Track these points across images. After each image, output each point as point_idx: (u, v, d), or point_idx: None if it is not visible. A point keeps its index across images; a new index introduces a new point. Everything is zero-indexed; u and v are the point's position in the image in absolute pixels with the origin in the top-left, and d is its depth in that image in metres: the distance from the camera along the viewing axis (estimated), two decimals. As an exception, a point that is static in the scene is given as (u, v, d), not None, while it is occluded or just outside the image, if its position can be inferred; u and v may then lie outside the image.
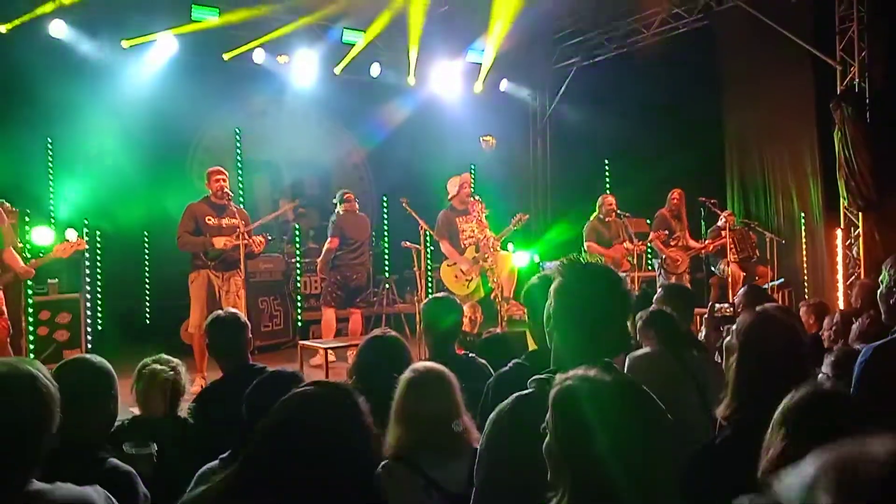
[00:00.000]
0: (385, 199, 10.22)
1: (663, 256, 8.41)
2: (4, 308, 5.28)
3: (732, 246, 8.47)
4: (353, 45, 9.63)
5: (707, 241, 8.64)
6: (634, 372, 3.26)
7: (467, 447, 2.41)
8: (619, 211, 8.32)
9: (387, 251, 10.08)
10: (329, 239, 7.54)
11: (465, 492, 2.23)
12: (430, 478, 2.37)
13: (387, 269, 10.13)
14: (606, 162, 11.30)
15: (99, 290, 8.54)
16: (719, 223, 8.63)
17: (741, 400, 2.23)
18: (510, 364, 2.66)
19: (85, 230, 7.76)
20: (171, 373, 3.33)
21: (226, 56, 8.84)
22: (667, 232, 8.43)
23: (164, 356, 3.39)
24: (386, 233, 10.25)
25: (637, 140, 10.24)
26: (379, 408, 2.78)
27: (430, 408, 2.45)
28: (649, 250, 9.78)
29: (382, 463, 2.40)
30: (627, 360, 3.47)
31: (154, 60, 8.54)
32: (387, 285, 9.68)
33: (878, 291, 2.91)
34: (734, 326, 2.58)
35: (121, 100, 8.15)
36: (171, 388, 3.30)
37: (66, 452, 2.43)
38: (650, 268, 9.68)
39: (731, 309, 4.41)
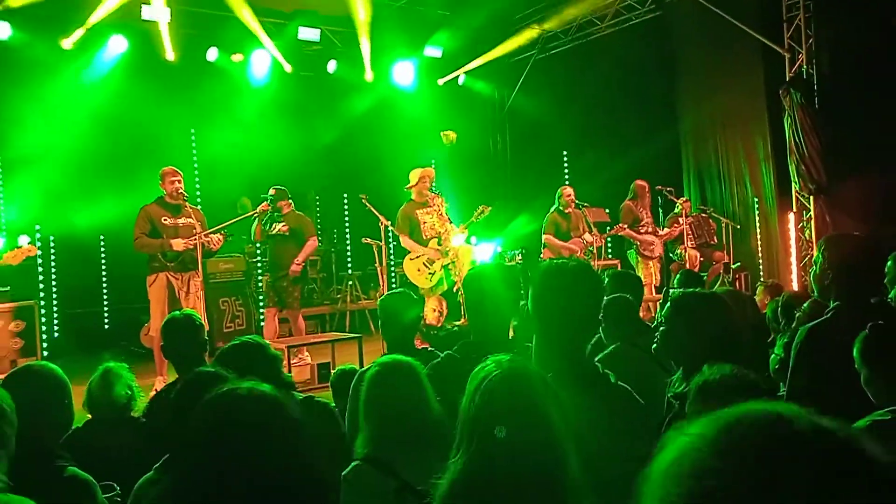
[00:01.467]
0: (345, 196, 10.19)
1: (638, 243, 8.47)
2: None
3: (689, 232, 8.62)
4: (309, 41, 9.56)
5: (673, 227, 8.72)
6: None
7: (441, 439, 2.41)
8: (578, 202, 8.40)
9: (348, 248, 10.05)
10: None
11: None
12: (404, 479, 2.32)
13: (349, 265, 10.10)
14: (565, 153, 11.41)
15: (54, 296, 8.38)
16: (676, 210, 8.78)
17: (686, 377, 2.30)
18: (443, 354, 2.70)
19: (37, 235, 7.60)
20: (127, 376, 3.30)
21: (172, 57, 8.64)
22: (624, 225, 8.51)
23: (115, 366, 3.35)
24: (347, 229, 10.22)
25: (595, 131, 10.37)
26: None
27: (399, 402, 2.40)
28: (609, 242, 9.90)
29: (352, 464, 2.37)
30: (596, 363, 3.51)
31: (104, 60, 8.37)
32: (350, 282, 9.65)
33: (812, 272, 2.99)
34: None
35: (71, 101, 7.99)
36: (127, 392, 3.27)
37: (24, 462, 2.41)
38: (609, 256, 9.80)
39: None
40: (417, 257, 7.37)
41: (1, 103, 7.62)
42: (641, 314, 5.76)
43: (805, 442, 0.64)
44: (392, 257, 9.11)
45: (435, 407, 2.44)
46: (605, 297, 2.29)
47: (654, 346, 2.58)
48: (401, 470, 2.30)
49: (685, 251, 8.55)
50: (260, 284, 7.15)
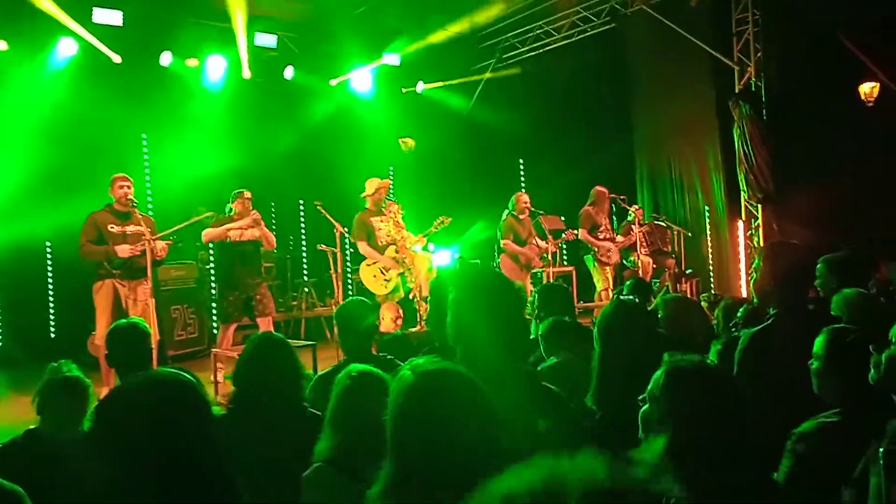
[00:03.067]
0: (301, 202, 10.11)
1: (595, 249, 8.54)
2: None
3: (643, 239, 8.75)
4: (266, 47, 9.48)
5: (629, 235, 8.81)
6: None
7: None
8: (533, 209, 8.46)
9: (304, 255, 9.97)
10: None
11: None
12: (363, 477, 2.33)
13: (305, 272, 10.02)
14: (521, 161, 11.50)
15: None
16: (629, 218, 8.90)
17: (602, 385, 2.32)
18: (407, 362, 2.68)
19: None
20: (78, 386, 3.19)
21: (116, 59, 8.47)
22: (584, 229, 8.59)
23: (71, 371, 3.24)
24: (303, 236, 10.13)
25: (550, 140, 10.50)
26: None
27: (370, 416, 2.39)
28: (564, 245, 9.99)
29: (314, 465, 2.35)
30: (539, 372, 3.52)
31: (52, 63, 8.18)
32: (305, 289, 9.57)
33: (752, 279, 3.06)
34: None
35: (18, 105, 7.79)
36: (80, 402, 3.17)
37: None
38: (565, 263, 9.90)
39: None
40: (374, 263, 7.35)
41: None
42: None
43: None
44: (348, 264, 9.07)
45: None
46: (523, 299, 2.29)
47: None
48: (363, 475, 2.30)
49: (638, 258, 8.68)
50: (223, 299, 6.77)
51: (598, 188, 8.77)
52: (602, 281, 8.52)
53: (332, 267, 8.13)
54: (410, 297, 7.44)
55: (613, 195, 9.04)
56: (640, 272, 8.33)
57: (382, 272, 7.35)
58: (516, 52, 10.73)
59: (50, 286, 8.65)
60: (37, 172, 7.67)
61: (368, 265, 7.42)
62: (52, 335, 8.59)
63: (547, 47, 10.35)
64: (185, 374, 2.89)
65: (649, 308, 3.12)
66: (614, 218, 9.30)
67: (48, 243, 8.47)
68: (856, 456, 2.03)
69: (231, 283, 6.81)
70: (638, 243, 8.65)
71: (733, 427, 1.73)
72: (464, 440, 1.52)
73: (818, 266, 3.54)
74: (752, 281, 3.09)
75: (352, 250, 8.95)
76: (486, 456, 1.51)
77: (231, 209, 6.92)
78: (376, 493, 1.56)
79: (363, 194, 7.46)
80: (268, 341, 3.12)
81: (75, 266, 6.57)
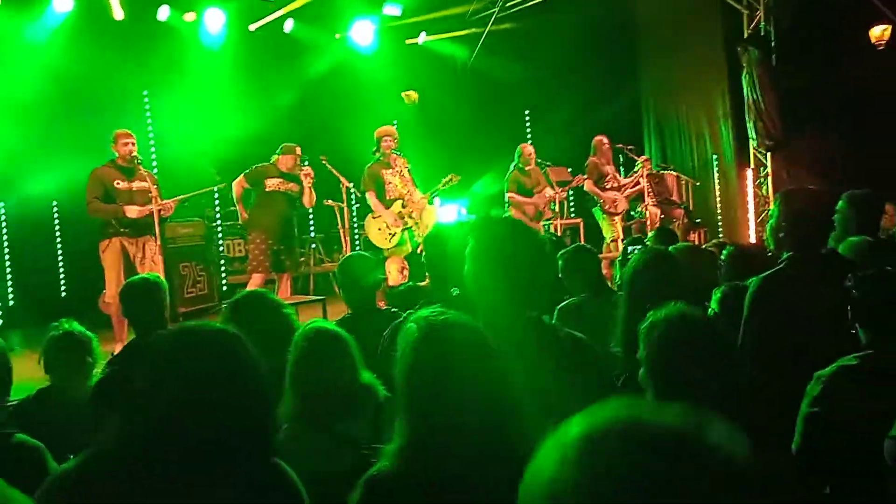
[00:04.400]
0: (306, 158, 10.03)
1: (602, 200, 8.48)
2: None
3: (650, 189, 8.68)
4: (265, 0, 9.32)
5: (635, 177, 8.71)
6: (564, 322, 3.34)
7: (372, 402, 2.41)
8: (540, 160, 8.39)
9: (311, 210, 9.94)
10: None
11: (374, 443, 2.23)
12: (337, 432, 2.35)
13: (312, 228, 10.01)
14: (527, 113, 11.37)
15: (8, 264, 8.18)
16: (637, 168, 8.82)
17: (628, 338, 2.32)
18: (405, 314, 2.69)
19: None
20: (82, 343, 3.23)
21: (117, 15, 8.35)
22: (589, 177, 8.52)
23: (73, 328, 3.27)
24: (309, 192, 10.07)
25: (556, 90, 10.34)
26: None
27: (326, 375, 2.39)
28: (572, 197, 9.94)
29: (283, 426, 2.34)
30: (556, 311, 3.55)
31: (47, 20, 8.06)
32: (313, 245, 9.57)
33: (768, 225, 3.05)
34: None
35: (15, 64, 7.69)
36: (85, 359, 3.21)
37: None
38: (572, 215, 9.86)
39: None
40: (378, 217, 7.33)
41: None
42: (604, 271, 5.84)
43: (653, 448, 0.66)
44: (355, 219, 9.05)
45: (364, 374, 2.46)
46: (552, 254, 2.29)
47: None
48: (332, 426, 2.31)
49: (646, 209, 8.62)
50: (254, 247, 6.78)
51: (597, 137, 8.69)
52: (611, 231, 8.48)
53: (339, 222, 8.12)
54: (418, 251, 7.44)
55: (621, 145, 8.94)
56: (648, 223, 8.29)
57: (387, 226, 7.34)
58: (518, 0, 10.50)
59: (59, 245, 8.67)
60: (39, 132, 7.62)
61: (374, 218, 7.40)
62: (63, 294, 8.64)
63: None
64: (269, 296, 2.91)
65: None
66: (621, 168, 9.21)
67: (55, 203, 8.46)
68: (880, 397, 2.04)
69: (266, 231, 6.80)
70: (645, 193, 8.58)
71: (705, 372, 1.82)
72: (474, 391, 1.49)
73: (839, 203, 3.57)
74: (767, 227, 3.09)
75: (358, 205, 8.92)
76: (498, 407, 1.51)
77: (274, 159, 6.89)
78: (393, 450, 1.56)
79: (373, 150, 7.39)
80: (324, 336, 2.54)
81: (83, 224, 6.57)
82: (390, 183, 7.33)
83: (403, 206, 7.31)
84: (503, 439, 1.48)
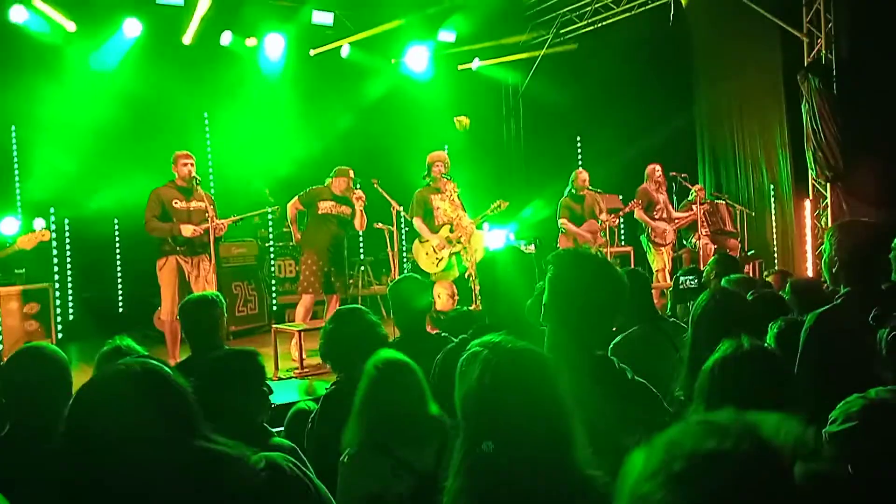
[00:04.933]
0: (358, 181, 10.16)
1: (649, 228, 8.39)
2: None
3: (703, 219, 8.54)
4: (322, 25, 9.53)
5: (688, 214, 8.58)
6: (621, 356, 3.29)
7: (439, 432, 2.41)
8: (591, 188, 8.34)
9: (360, 233, 10.04)
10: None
11: (434, 470, 2.25)
12: (398, 457, 2.36)
13: (361, 251, 10.11)
14: (579, 139, 11.33)
15: (70, 279, 8.45)
16: (690, 197, 8.69)
17: (692, 382, 2.27)
18: (458, 339, 2.68)
19: (52, 218, 7.67)
20: (130, 353, 3.29)
21: (186, 38, 8.68)
22: (639, 203, 8.43)
23: (124, 343, 3.33)
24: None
25: (609, 116, 10.29)
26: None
27: (394, 403, 2.42)
28: (623, 224, 9.84)
29: (346, 451, 2.39)
30: (611, 346, 3.50)
31: (118, 43, 8.40)
32: (362, 267, 9.66)
33: (822, 260, 2.97)
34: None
35: (86, 85, 8.03)
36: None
37: (18, 442, 2.43)
38: (622, 243, 9.74)
39: (697, 281, 4.44)
40: (426, 241, 7.37)
41: (18, 86, 7.64)
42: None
43: (740, 470, 0.70)
44: (404, 242, 9.10)
45: (431, 405, 2.48)
46: (626, 289, 2.26)
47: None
48: (396, 451, 2.32)
49: (699, 239, 8.48)
50: (306, 267, 6.94)
51: (651, 166, 8.60)
52: (657, 261, 8.35)
53: (388, 245, 8.18)
54: (466, 276, 7.43)
55: (674, 173, 8.82)
56: (701, 254, 8.14)
57: (435, 251, 7.36)
58: (573, 26, 10.52)
59: (118, 262, 8.94)
60: (104, 152, 7.92)
61: (422, 243, 7.44)
62: (121, 310, 8.89)
63: (605, 21, 10.12)
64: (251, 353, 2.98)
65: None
66: (674, 197, 9.09)
67: (116, 220, 8.74)
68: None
69: (318, 253, 6.94)
70: (698, 224, 8.44)
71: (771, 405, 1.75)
72: (537, 419, 1.49)
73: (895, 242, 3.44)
74: (822, 261, 3.01)
75: (408, 228, 8.98)
76: (558, 438, 1.50)
77: (328, 182, 7.08)
78: (452, 474, 1.56)
79: (424, 175, 7.45)
80: (394, 365, 2.53)
81: (142, 242, 6.77)
82: (439, 208, 7.36)
83: (451, 231, 7.33)
84: (560, 469, 1.48)
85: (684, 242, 8.89)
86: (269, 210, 7.55)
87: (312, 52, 9.64)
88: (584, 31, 10.41)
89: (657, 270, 8.31)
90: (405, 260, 9.15)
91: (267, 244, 9.09)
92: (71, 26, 8.03)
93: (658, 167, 8.58)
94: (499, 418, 1.50)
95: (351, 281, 9.68)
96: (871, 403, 1.52)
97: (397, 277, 7.05)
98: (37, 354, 2.62)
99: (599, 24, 10.19)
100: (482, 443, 1.49)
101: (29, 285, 6.93)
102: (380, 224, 8.20)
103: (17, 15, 7.76)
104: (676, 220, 8.59)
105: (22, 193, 8.23)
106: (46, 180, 7.84)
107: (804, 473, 0.69)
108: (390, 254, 8.15)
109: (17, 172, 8.28)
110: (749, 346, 1.91)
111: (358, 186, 7.14)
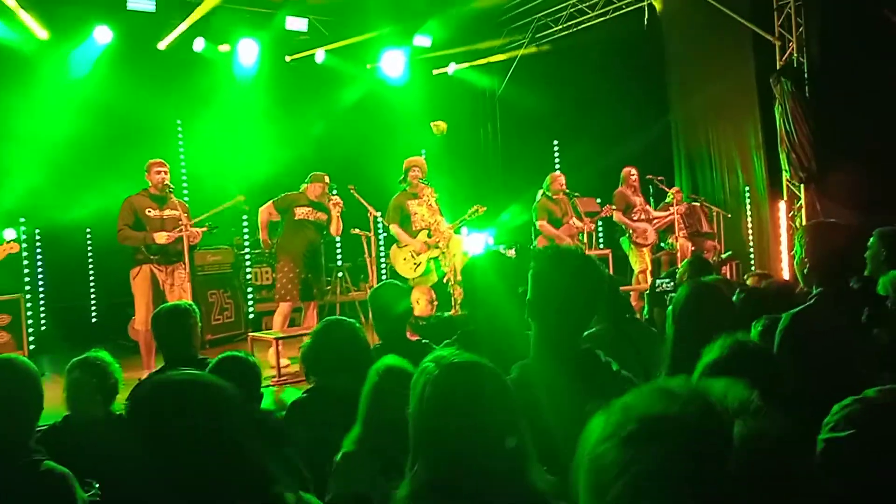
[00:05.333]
0: (334, 187, 10.11)
1: (630, 230, 8.42)
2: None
3: (681, 221, 8.59)
4: (296, 31, 9.48)
5: (670, 211, 8.61)
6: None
7: None
8: (568, 191, 8.36)
9: (338, 239, 9.98)
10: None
11: None
12: (390, 457, 2.36)
13: (339, 257, 10.04)
14: (556, 143, 11.37)
15: (41, 289, 8.30)
16: (667, 199, 8.74)
17: (675, 374, 2.27)
18: (443, 344, 2.68)
19: (22, 229, 7.53)
20: (100, 370, 3.23)
21: (161, 45, 8.61)
22: (616, 207, 8.47)
23: (94, 355, 3.27)
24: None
25: (585, 121, 10.33)
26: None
27: (394, 408, 2.42)
28: (601, 227, 9.87)
29: (342, 452, 2.41)
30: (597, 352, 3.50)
31: (87, 51, 8.28)
32: (339, 273, 9.60)
33: (795, 260, 3.01)
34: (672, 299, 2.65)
35: (55, 93, 7.91)
36: (103, 386, 3.21)
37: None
38: (600, 246, 9.78)
39: (672, 284, 4.46)
40: (404, 247, 7.33)
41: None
42: (633, 303, 5.75)
43: (685, 432, 0.73)
44: (382, 248, 9.06)
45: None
46: (605, 283, 2.27)
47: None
48: (389, 453, 2.32)
49: (676, 241, 8.53)
50: (283, 275, 6.85)
51: (626, 169, 8.69)
52: (639, 263, 8.40)
53: (365, 251, 8.13)
54: (444, 280, 7.41)
55: (651, 176, 8.88)
56: (679, 255, 8.19)
57: (413, 256, 7.33)
58: (549, 31, 10.56)
59: (91, 272, 8.80)
60: (76, 159, 7.80)
61: (399, 248, 7.40)
62: (94, 320, 8.75)
63: (580, 25, 10.17)
64: (249, 359, 2.97)
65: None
66: (651, 200, 9.14)
67: (88, 229, 8.60)
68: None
69: (294, 260, 6.86)
70: (676, 225, 8.49)
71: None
72: (488, 438, 1.47)
73: (871, 239, 3.50)
74: (794, 261, 3.04)
75: (385, 234, 8.94)
76: (511, 455, 1.47)
77: (303, 188, 7.02)
78: (403, 495, 1.53)
79: (400, 179, 7.42)
80: (394, 373, 2.50)
81: (115, 251, 6.67)
82: (416, 213, 7.34)
83: (429, 236, 7.31)
84: (512, 486, 1.46)
85: (661, 244, 8.93)
86: (236, 201, 7.44)
87: (288, 59, 9.59)
88: (559, 35, 10.45)
89: (639, 272, 8.35)
90: (383, 266, 9.10)
91: (242, 252, 8.99)
92: (43, 34, 7.91)
93: (633, 170, 8.65)
94: (440, 436, 1.48)
95: (329, 287, 9.62)
96: (871, 405, 1.51)
97: (376, 284, 7.05)
98: (7, 367, 2.56)
99: (575, 29, 10.24)
100: (433, 460, 1.48)
101: (1, 296, 6.80)
102: (357, 230, 8.16)
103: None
104: (655, 221, 8.63)
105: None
106: (16, 190, 7.69)
107: (743, 433, 0.73)
108: (368, 260, 8.10)
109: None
110: (745, 345, 1.91)
111: (334, 192, 7.09)
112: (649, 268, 8.35)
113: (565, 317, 1.98)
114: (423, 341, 3.84)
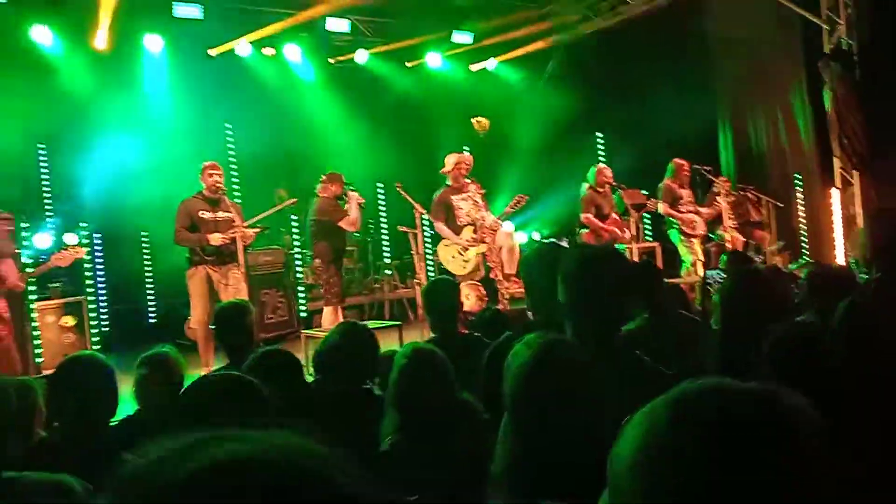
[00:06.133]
0: (380, 185, 10.24)
1: (678, 223, 8.31)
2: (7, 315, 5.34)
3: (730, 212, 8.47)
4: (338, 32, 9.61)
5: (713, 207, 8.48)
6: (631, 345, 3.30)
7: (470, 418, 2.49)
8: (613, 183, 8.31)
9: (385, 237, 10.10)
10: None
11: (471, 455, 2.30)
12: (435, 443, 2.43)
13: (387, 255, 10.16)
14: (599, 136, 11.30)
15: (103, 291, 8.59)
16: (715, 189, 8.62)
17: (725, 365, 2.28)
18: (503, 337, 2.71)
19: (83, 233, 7.80)
20: (166, 365, 3.34)
21: (212, 52, 8.86)
22: (662, 200, 8.38)
23: (161, 351, 3.38)
24: (384, 219, 10.26)
25: (628, 111, 10.23)
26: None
27: (426, 390, 2.51)
28: (648, 220, 9.79)
29: (387, 439, 2.47)
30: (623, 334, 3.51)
31: (141, 58, 8.57)
32: (388, 271, 9.71)
33: (856, 248, 2.98)
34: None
35: (110, 100, 8.17)
36: (169, 381, 3.32)
37: (78, 446, 2.51)
38: (648, 239, 9.70)
39: (724, 276, 4.44)
40: (451, 244, 7.38)
41: (46, 103, 7.79)
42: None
43: (733, 411, 0.72)
44: (428, 245, 9.14)
45: (459, 392, 2.59)
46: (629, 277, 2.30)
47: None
48: (432, 437, 2.38)
49: (725, 231, 8.41)
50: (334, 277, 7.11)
51: (676, 160, 8.52)
52: (690, 254, 8.26)
53: (413, 248, 8.22)
54: (491, 276, 7.44)
55: (697, 166, 8.76)
56: (729, 246, 8.07)
57: (461, 252, 7.37)
58: (591, 21, 10.49)
59: (148, 273, 9.07)
60: (133, 163, 8.07)
61: (446, 245, 7.45)
62: (152, 320, 9.02)
63: (623, 15, 10.06)
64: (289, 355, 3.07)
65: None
66: (698, 191, 9.02)
67: (145, 232, 8.88)
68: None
69: (335, 262, 7.11)
70: (724, 216, 8.37)
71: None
72: (583, 410, 1.53)
73: None
74: (857, 248, 3.02)
75: (431, 231, 9.02)
76: (600, 425, 1.53)
77: (318, 188, 7.13)
78: (499, 472, 1.60)
79: (443, 170, 7.48)
80: (422, 354, 2.67)
81: (171, 253, 6.87)
82: (461, 209, 7.37)
83: (475, 232, 7.35)
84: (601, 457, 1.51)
85: (711, 235, 8.81)
86: (287, 204, 7.62)
87: (331, 61, 9.74)
88: (602, 27, 10.36)
89: (690, 264, 8.21)
90: (430, 262, 9.18)
91: (292, 252, 9.17)
92: (102, 44, 8.18)
93: (685, 163, 8.49)
94: (549, 410, 1.55)
95: (377, 285, 9.76)
96: None
97: (424, 280, 7.12)
98: (90, 362, 2.71)
99: (618, 19, 10.14)
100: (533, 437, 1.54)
101: (64, 299, 7.07)
102: (404, 227, 8.25)
103: (39, 35, 7.90)
104: (703, 215, 8.52)
105: (54, 208, 8.41)
106: (77, 195, 8.00)
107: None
108: (415, 257, 8.19)
109: (49, 189, 8.44)
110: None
111: (351, 188, 7.18)
112: (701, 258, 8.22)
113: (596, 316, 2.01)
114: (475, 334, 3.89)
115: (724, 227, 8.36)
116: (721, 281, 4.60)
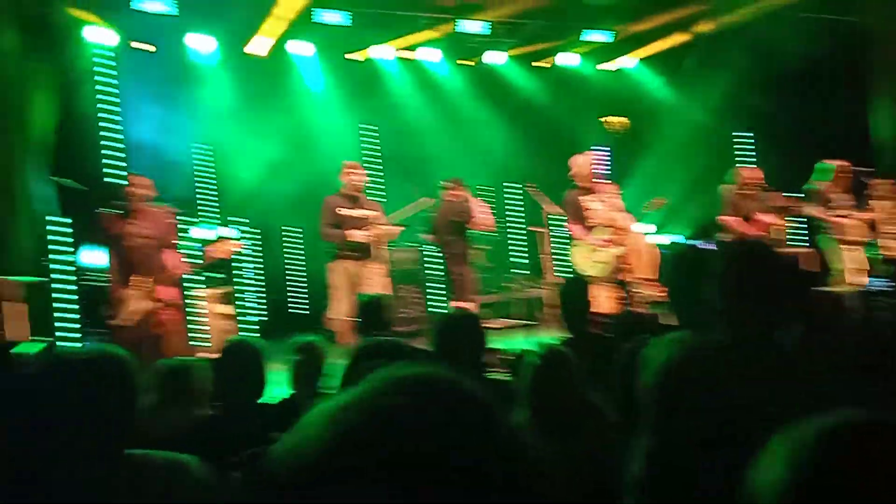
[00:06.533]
0: (515, 185, 10.30)
1: (830, 226, 7.81)
2: (180, 302, 5.88)
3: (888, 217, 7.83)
4: (473, 33, 9.75)
5: (873, 211, 7.86)
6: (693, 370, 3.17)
7: (597, 418, 2.52)
8: (758, 184, 7.93)
9: (521, 237, 10.18)
10: None
11: (595, 457, 2.37)
12: (562, 441, 2.47)
13: (519, 255, 10.22)
14: (740, 135, 10.81)
15: (262, 282, 9.20)
16: (871, 192, 7.97)
17: None
18: (638, 339, 2.71)
19: (241, 228, 8.45)
20: (317, 353, 3.57)
21: (359, 57, 9.29)
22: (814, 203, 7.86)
23: (312, 339, 3.62)
24: (518, 218, 10.32)
25: (774, 110, 9.71)
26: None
27: (555, 389, 2.57)
28: (795, 225, 9.25)
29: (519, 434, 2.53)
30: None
31: (294, 63, 9.19)
32: (518, 271, 9.78)
33: None
34: None
35: (267, 103, 8.76)
36: (319, 367, 3.54)
37: (232, 424, 2.76)
38: (796, 244, 9.16)
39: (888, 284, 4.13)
40: (583, 245, 7.33)
41: (204, 108, 8.47)
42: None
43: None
44: (561, 245, 9.10)
45: (588, 392, 2.64)
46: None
47: None
48: (557, 436, 2.42)
49: (880, 238, 7.79)
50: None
51: (836, 162, 7.92)
52: (841, 260, 7.68)
53: (543, 248, 8.23)
54: (625, 278, 7.31)
55: (856, 167, 8.13)
56: (884, 254, 7.49)
57: (593, 252, 7.29)
58: (735, 13, 10.00)
59: (301, 266, 9.62)
60: (281, 161, 8.59)
61: (579, 246, 7.40)
62: (306, 312, 9.54)
63: (768, 7, 9.53)
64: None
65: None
66: (861, 194, 8.36)
67: (299, 228, 9.42)
68: None
69: (468, 262, 7.46)
70: (878, 221, 7.75)
71: None
72: (726, 409, 1.54)
73: None
74: None
75: (561, 230, 8.98)
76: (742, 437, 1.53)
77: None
78: (637, 471, 1.63)
79: (570, 173, 7.44)
80: (555, 354, 2.78)
81: (317, 247, 7.30)
82: (590, 209, 7.28)
83: (607, 232, 7.25)
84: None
85: (871, 242, 8.15)
86: (426, 205, 7.86)
87: (461, 62, 9.91)
88: (746, 18, 9.87)
89: (840, 270, 7.65)
90: (563, 263, 9.15)
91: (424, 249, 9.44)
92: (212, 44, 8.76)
93: (845, 164, 7.90)
94: (694, 406, 1.56)
95: (508, 284, 9.83)
96: None
97: (556, 280, 7.13)
98: (238, 346, 2.97)
99: (763, 11, 9.63)
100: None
101: (225, 288, 7.68)
102: (534, 227, 8.28)
103: (195, 42, 8.59)
104: (858, 218, 7.91)
105: (220, 203, 9.10)
106: (231, 192, 8.61)
107: None
108: (544, 256, 8.19)
109: (216, 185, 9.14)
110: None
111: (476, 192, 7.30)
112: (854, 267, 7.64)
113: (751, 317, 1.94)
114: (608, 335, 3.88)
115: (880, 232, 7.74)
116: (884, 289, 4.28)
